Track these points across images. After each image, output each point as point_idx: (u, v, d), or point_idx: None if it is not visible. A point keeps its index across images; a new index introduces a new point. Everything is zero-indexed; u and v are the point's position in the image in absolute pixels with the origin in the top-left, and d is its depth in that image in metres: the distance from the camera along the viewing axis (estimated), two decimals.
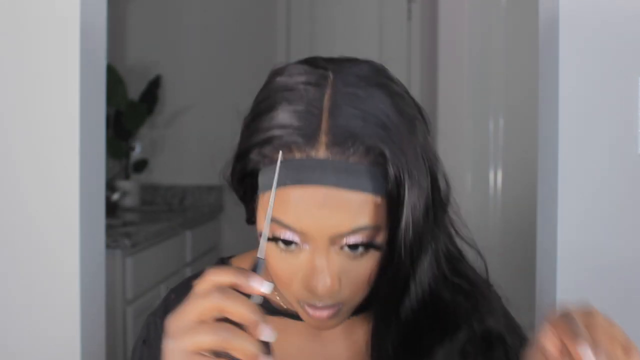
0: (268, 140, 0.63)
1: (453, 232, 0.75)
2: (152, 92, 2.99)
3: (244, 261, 0.83)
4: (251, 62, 3.09)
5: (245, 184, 0.71)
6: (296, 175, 0.62)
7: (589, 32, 1.04)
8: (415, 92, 3.02)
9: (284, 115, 0.63)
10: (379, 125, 0.63)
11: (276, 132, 0.63)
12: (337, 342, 0.77)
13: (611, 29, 1.04)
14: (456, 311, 0.71)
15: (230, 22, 3.10)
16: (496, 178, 2.73)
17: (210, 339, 0.52)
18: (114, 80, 2.66)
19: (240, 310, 0.53)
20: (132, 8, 3.08)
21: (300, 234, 0.63)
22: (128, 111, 2.84)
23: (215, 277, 0.55)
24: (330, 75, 0.66)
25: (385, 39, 3.02)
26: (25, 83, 1.17)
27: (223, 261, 0.84)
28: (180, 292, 0.81)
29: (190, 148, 3.08)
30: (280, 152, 0.61)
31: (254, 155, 0.65)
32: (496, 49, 2.69)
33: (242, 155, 0.67)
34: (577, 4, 1.04)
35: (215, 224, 3.05)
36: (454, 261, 0.74)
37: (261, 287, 0.55)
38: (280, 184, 0.61)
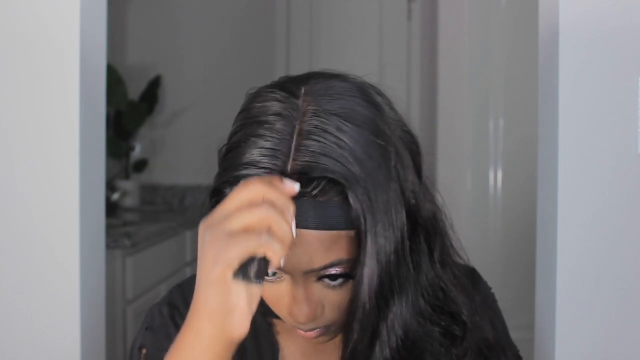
0: (237, 179, 0.63)
1: (442, 257, 0.72)
2: (152, 92, 2.99)
3: None
4: (251, 61, 3.09)
5: None
6: None
7: (589, 32, 1.04)
8: (415, 92, 3.02)
9: (252, 153, 0.63)
10: (342, 159, 0.61)
11: (244, 171, 0.63)
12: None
13: (611, 28, 1.04)
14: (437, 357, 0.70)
15: (230, 21, 3.11)
16: (496, 178, 2.73)
17: (258, 213, 0.56)
18: (114, 80, 2.66)
19: (280, 195, 0.58)
20: (132, 8, 3.08)
21: (276, 268, 0.63)
22: (128, 111, 2.84)
23: (257, 179, 0.59)
24: (301, 105, 0.64)
25: (385, 39, 3.02)
26: (25, 83, 1.17)
27: None
28: (187, 287, 0.81)
29: (190, 148, 3.08)
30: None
31: (227, 192, 0.66)
32: (496, 49, 2.69)
33: (216, 191, 0.68)
34: (578, 4, 1.04)
35: None
36: (442, 296, 0.71)
37: (294, 186, 0.59)
38: None
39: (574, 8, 1.04)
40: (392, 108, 0.69)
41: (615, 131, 1.04)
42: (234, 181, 0.64)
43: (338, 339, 0.76)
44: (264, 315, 0.79)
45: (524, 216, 2.27)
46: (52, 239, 1.17)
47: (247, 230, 0.56)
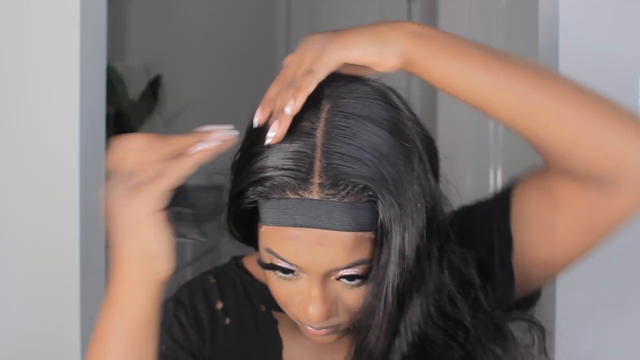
0: (262, 181, 0.63)
1: (451, 267, 0.71)
2: (152, 92, 2.99)
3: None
4: (251, 62, 3.09)
5: (243, 222, 0.72)
6: (290, 216, 0.62)
7: (589, 32, 1.04)
8: (415, 92, 3.02)
9: (276, 156, 0.63)
10: (371, 162, 0.62)
11: (269, 173, 0.63)
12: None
13: (611, 28, 1.04)
14: (447, 356, 0.69)
15: (230, 21, 3.10)
16: (496, 178, 2.73)
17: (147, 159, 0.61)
18: (114, 80, 2.66)
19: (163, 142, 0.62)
20: (132, 8, 3.08)
21: (296, 266, 0.64)
22: (128, 111, 2.84)
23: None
24: (325, 105, 0.64)
25: None
26: (25, 83, 1.17)
27: (236, 260, 0.85)
28: (195, 284, 0.83)
29: None
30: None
31: (250, 194, 0.65)
32: None
33: (237, 195, 0.67)
34: (577, 4, 1.04)
35: (215, 224, 3.04)
36: (448, 303, 0.70)
37: (230, 133, 0.62)
38: (275, 223, 0.63)
39: (574, 8, 1.04)
40: (410, 111, 0.69)
41: None
42: (259, 182, 0.64)
43: (344, 338, 0.76)
44: (269, 309, 0.79)
45: None
46: (52, 239, 1.17)
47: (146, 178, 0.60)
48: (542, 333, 0.75)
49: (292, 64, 0.66)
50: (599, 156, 0.66)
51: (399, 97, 0.69)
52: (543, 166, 0.74)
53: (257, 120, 0.65)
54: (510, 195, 0.77)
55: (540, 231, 0.73)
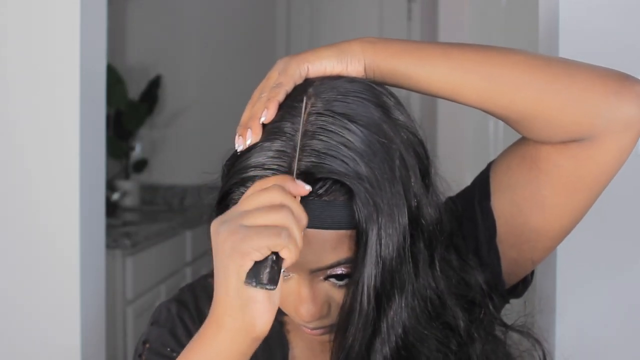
0: (244, 181, 0.64)
1: (445, 269, 0.70)
2: (152, 92, 2.99)
3: None
4: (251, 62, 3.09)
5: None
6: None
7: (589, 32, 1.04)
8: (416, 93, 3.02)
9: (259, 155, 0.63)
10: (347, 159, 0.61)
11: (251, 172, 0.63)
12: None
13: (611, 29, 1.04)
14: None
15: (230, 22, 3.11)
16: None
17: (278, 216, 0.56)
18: (114, 80, 2.66)
19: (299, 209, 0.58)
20: (132, 8, 3.08)
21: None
22: (128, 111, 2.84)
23: (271, 179, 0.59)
24: (306, 104, 0.64)
25: None
26: (25, 83, 1.17)
27: None
28: (198, 287, 0.82)
29: (190, 148, 3.08)
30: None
31: (235, 195, 0.65)
32: None
33: (224, 196, 0.67)
34: (577, 4, 1.04)
35: None
36: (439, 307, 0.69)
37: (305, 187, 0.60)
38: None
39: (574, 8, 1.04)
40: (401, 110, 0.68)
41: None
42: (242, 183, 0.64)
43: None
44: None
45: None
46: (52, 239, 1.18)
47: (266, 227, 0.56)
48: (540, 346, 0.75)
49: (260, 85, 0.69)
50: (574, 116, 0.67)
51: (390, 95, 0.69)
52: (520, 140, 0.75)
53: (238, 145, 0.65)
54: (487, 176, 0.79)
55: (525, 199, 0.74)
